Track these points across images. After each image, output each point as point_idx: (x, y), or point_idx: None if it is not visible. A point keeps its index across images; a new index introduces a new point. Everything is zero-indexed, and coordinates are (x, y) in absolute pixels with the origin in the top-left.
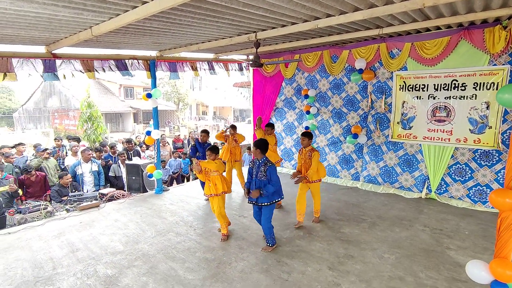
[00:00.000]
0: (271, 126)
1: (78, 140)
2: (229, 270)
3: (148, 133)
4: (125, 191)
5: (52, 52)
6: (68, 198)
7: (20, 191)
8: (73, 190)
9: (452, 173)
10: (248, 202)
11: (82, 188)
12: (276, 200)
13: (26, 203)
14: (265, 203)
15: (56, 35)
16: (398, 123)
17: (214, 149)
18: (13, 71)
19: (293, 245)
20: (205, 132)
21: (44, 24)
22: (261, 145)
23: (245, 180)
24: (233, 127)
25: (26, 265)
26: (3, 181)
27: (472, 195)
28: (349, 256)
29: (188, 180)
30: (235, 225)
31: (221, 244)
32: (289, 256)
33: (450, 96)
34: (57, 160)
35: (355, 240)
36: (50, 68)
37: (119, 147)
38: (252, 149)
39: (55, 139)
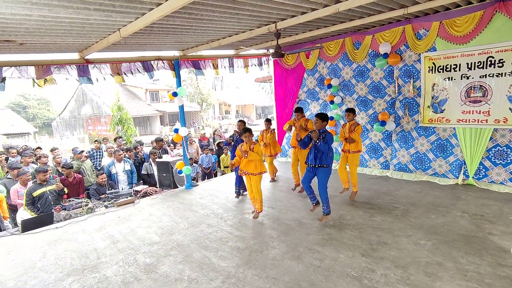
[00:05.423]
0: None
1: (121, 137)
2: (261, 258)
3: (176, 130)
4: (157, 187)
5: (85, 58)
6: (106, 196)
7: (66, 189)
8: (110, 188)
9: (491, 156)
10: (305, 163)
11: (118, 186)
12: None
13: (69, 200)
14: (323, 165)
15: (88, 40)
16: (428, 107)
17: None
18: (51, 73)
19: (323, 233)
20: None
21: (78, 30)
22: (322, 117)
23: (274, 170)
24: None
25: (73, 255)
26: (51, 181)
27: None
28: (383, 243)
29: (215, 176)
30: (264, 216)
31: (252, 234)
32: (320, 244)
33: (485, 75)
34: (92, 162)
35: (388, 227)
36: (84, 72)
37: (148, 149)
38: (315, 120)
39: (95, 141)
